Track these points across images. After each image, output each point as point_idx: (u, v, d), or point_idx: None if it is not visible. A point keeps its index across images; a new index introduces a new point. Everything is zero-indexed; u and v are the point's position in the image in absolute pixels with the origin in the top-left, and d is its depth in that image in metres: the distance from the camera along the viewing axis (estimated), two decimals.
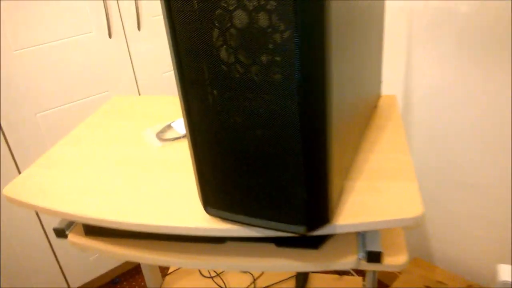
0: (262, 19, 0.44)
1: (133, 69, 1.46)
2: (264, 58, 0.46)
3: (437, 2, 1.13)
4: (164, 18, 0.48)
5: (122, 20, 1.39)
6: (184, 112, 0.57)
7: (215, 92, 0.53)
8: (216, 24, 0.46)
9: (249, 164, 0.56)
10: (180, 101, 0.57)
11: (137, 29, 1.43)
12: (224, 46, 0.47)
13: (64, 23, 1.29)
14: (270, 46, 0.45)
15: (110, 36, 1.38)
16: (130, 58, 1.45)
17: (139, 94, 1.51)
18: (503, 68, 1.10)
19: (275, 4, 0.42)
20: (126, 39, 1.42)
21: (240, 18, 0.45)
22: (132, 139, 0.90)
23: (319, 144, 0.52)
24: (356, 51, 0.62)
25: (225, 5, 0.44)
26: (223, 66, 0.49)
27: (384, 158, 0.74)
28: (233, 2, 0.44)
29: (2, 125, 1.25)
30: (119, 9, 1.37)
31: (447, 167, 1.28)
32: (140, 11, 1.41)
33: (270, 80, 0.48)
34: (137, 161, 0.81)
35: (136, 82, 1.49)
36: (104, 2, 1.32)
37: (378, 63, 0.85)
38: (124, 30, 1.41)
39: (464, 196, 1.27)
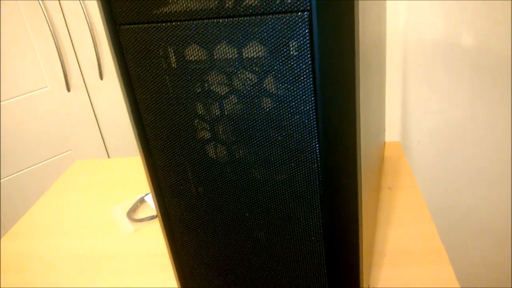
0: (267, 103, 0.31)
1: (97, 122, 1.31)
2: (271, 152, 0.33)
3: (434, 35, 1.04)
4: (127, 107, 0.35)
5: (81, 69, 1.25)
6: (160, 215, 0.43)
7: (200, 190, 0.39)
8: (201, 114, 0.32)
9: (253, 273, 0.42)
10: (154, 200, 0.43)
11: (99, 78, 1.29)
12: (213, 142, 0.33)
13: (16, 79, 1.13)
14: (279, 137, 0.32)
15: (68, 89, 1.23)
16: (93, 111, 1.30)
17: (106, 150, 1.35)
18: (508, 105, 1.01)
19: (284, 79, 0.29)
20: (87, 90, 1.27)
21: (234, 104, 0.31)
22: (97, 224, 0.74)
23: (348, 245, 0.39)
24: (372, 105, 0.50)
25: (212, 89, 0.31)
26: (212, 166, 0.35)
27: (406, 233, 0.61)
28: (223, 82, 0.31)
29: None
30: (76, 57, 1.23)
31: (452, 212, 1.17)
32: (101, 56, 1.27)
33: (278, 179, 0.34)
34: (104, 260, 0.65)
35: (102, 137, 1.33)
36: (58, 51, 1.17)
37: (383, 110, 0.74)
38: (84, 80, 1.26)
39: (478, 243, 1.16)
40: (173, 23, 0.29)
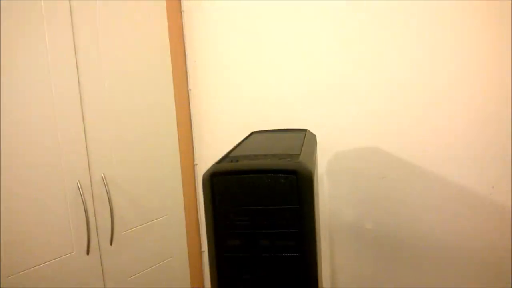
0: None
1: (103, 277, 1.63)
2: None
3: (347, 219, 1.56)
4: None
5: (99, 237, 1.61)
6: None
7: None
8: None
9: None
10: None
11: (109, 244, 1.65)
12: None
13: (50, 245, 1.47)
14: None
15: (88, 253, 1.57)
16: (102, 272, 1.62)
17: None
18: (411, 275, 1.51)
19: None
20: (100, 255, 1.61)
21: None
22: None
23: None
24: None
25: None
26: None
27: None
28: None
29: None
30: (96, 227, 1.60)
31: None
32: (114, 226, 1.65)
33: None
34: None
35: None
36: (86, 221, 1.54)
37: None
38: (99, 246, 1.61)
39: None
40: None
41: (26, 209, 1.40)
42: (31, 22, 1.38)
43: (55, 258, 1.48)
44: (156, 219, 1.86)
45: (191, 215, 2.07)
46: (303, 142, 1.00)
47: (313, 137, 1.16)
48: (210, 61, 1.94)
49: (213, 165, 0.81)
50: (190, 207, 2.06)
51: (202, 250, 2.15)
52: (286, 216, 0.76)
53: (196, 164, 2.09)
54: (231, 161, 0.83)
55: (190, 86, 2.04)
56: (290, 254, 0.75)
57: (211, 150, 2.03)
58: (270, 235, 0.77)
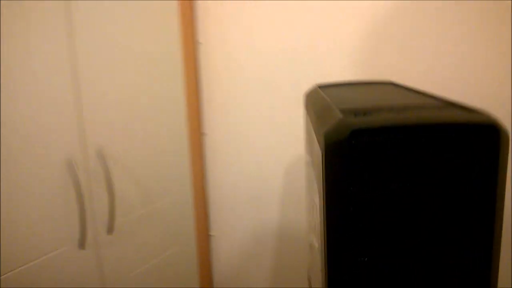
0: None
1: (101, 275, 1.30)
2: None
3: None
4: None
5: (95, 225, 1.27)
6: None
7: None
8: None
9: None
10: None
11: (107, 234, 1.31)
12: None
13: (35, 240, 1.12)
14: None
15: (82, 246, 1.23)
16: (100, 268, 1.29)
17: None
18: None
19: None
20: (97, 248, 1.28)
21: None
22: None
23: None
24: None
25: None
26: None
27: None
28: None
29: None
30: (93, 214, 1.25)
31: None
32: (114, 212, 1.31)
33: None
34: None
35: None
36: (80, 207, 1.19)
37: None
38: (96, 237, 1.27)
39: None
40: None
41: (4, 196, 1.04)
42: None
43: (42, 256, 1.13)
44: (160, 201, 1.53)
45: (199, 195, 1.74)
46: (425, 93, 0.69)
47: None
48: (222, 12, 1.59)
49: (340, 119, 0.48)
50: (198, 185, 1.73)
51: (211, 234, 1.84)
52: (474, 195, 0.45)
53: (206, 134, 1.74)
54: (357, 115, 0.50)
55: (200, 39, 1.67)
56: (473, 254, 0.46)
57: (223, 117, 1.69)
58: (441, 230, 0.46)
